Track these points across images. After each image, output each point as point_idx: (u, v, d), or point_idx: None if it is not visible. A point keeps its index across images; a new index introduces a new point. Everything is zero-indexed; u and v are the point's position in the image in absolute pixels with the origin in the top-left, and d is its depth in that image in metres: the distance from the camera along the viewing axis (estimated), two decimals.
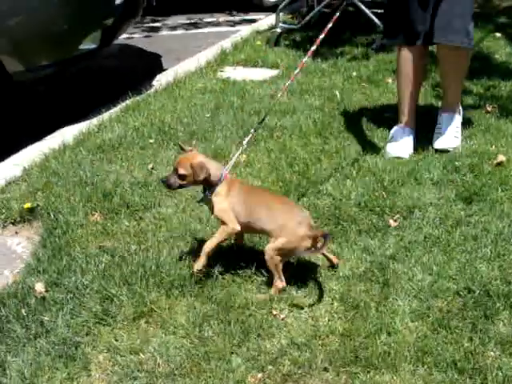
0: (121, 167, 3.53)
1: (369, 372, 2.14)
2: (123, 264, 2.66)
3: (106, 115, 4.22)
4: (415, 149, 3.69)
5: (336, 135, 3.93)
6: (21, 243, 2.92)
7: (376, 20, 5.73)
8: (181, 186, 2.57)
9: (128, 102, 4.47)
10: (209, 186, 2.55)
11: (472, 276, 2.59)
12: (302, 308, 2.45)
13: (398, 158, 3.61)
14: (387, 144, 3.73)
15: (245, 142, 2.84)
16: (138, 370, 2.17)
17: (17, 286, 2.56)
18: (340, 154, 3.66)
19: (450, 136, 3.73)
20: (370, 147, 3.75)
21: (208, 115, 4.26)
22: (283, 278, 2.49)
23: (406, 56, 3.76)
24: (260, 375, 2.14)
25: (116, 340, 2.30)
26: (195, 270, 2.54)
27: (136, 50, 6.35)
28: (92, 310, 2.42)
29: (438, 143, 3.71)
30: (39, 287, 2.52)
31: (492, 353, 2.21)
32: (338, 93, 4.64)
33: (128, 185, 3.31)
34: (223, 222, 2.55)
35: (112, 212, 3.08)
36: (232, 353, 2.23)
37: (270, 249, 2.45)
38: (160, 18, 7.70)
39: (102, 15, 4.16)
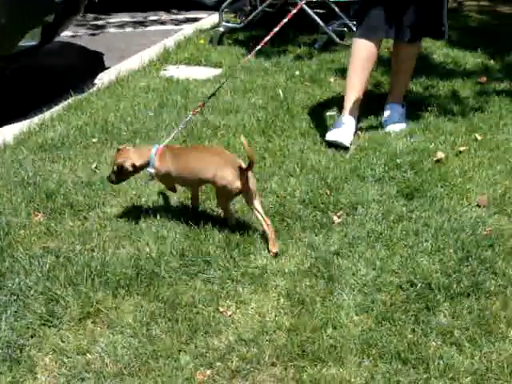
0: (64, 167, 3.48)
1: (316, 365, 2.18)
2: (68, 264, 2.63)
3: (47, 114, 4.15)
4: (358, 148, 3.77)
5: (279, 134, 3.97)
6: None
7: (318, 20, 5.80)
8: (120, 180, 2.98)
9: (70, 100, 4.40)
10: (147, 167, 2.89)
11: (414, 270, 2.66)
12: (249, 304, 2.47)
13: (338, 144, 3.74)
14: (328, 131, 3.84)
15: (188, 118, 3.19)
16: (86, 371, 2.15)
17: None
18: (283, 152, 3.70)
19: (397, 120, 4.03)
20: (313, 145, 3.80)
21: (151, 114, 4.23)
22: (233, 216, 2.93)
23: (363, 45, 3.93)
24: (209, 372, 2.15)
25: (62, 341, 2.27)
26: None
27: (78, 48, 6.24)
28: (37, 311, 2.38)
29: (388, 127, 4.00)
30: None
31: (434, 343, 2.28)
32: (281, 92, 4.69)
33: (71, 184, 3.27)
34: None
35: (55, 212, 3.03)
36: (180, 351, 2.23)
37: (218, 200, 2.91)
38: (104, 16, 7.59)
39: (43, 11, 4.08)
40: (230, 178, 2.73)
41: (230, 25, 6.23)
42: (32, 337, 2.29)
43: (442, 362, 2.18)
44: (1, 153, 3.59)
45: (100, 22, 7.36)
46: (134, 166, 2.86)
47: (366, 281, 2.60)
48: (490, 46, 5.72)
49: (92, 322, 2.37)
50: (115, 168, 2.88)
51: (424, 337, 2.31)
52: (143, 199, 3.17)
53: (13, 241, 2.79)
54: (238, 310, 2.44)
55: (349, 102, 3.97)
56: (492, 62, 5.44)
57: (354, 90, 3.96)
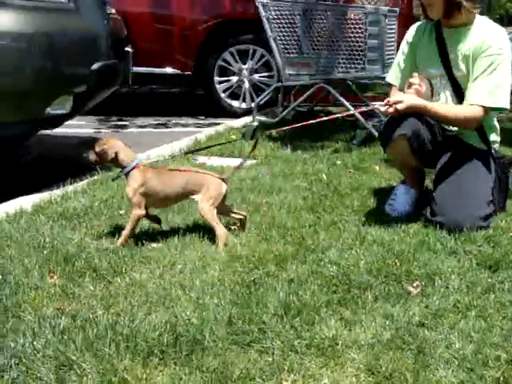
0: (86, 235, 3.01)
1: None
2: (87, 326, 2.09)
3: (70, 187, 3.73)
4: (421, 223, 3.29)
5: (329, 211, 3.51)
6: None
7: (359, 116, 5.52)
8: (96, 163, 3.03)
9: (96, 177, 4.00)
10: (120, 167, 2.96)
11: None
12: (320, 380, 1.90)
13: (394, 216, 3.36)
14: (387, 202, 3.50)
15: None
16: None
17: None
18: (338, 226, 3.22)
19: None
20: (371, 221, 3.32)
21: None
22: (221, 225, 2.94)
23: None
24: None
25: None
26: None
27: None
28: (43, 378, 1.82)
29: None
30: None
31: None
32: (324, 176, 4.29)
33: (94, 250, 2.78)
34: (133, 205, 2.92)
35: (74, 274, 2.53)
36: None
37: (202, 204, 2.93)
38: (127, 118, 7.41)
39: (76, 80, 3.79)
40: (217, 184, 2.95)
41: (263, 119, 5.96)
42: None
43: None
44: (16, 218, 3.13)
45: (122, 123, 7.17)
46: (116, 155, 2.90)
47: (465, 355, 2.03)
48: None
49: None
50: (98, 150, 2.89)
51: None
52: (178, 267, 2.67)
53: (21, 301, 2.27)
54: None
55: (404, 175, 3.67)
56: None
57: (406, 171, 3.64)
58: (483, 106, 3.20)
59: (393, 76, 3.59)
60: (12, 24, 3.55)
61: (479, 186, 3.25)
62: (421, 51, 3.43)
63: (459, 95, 3.32)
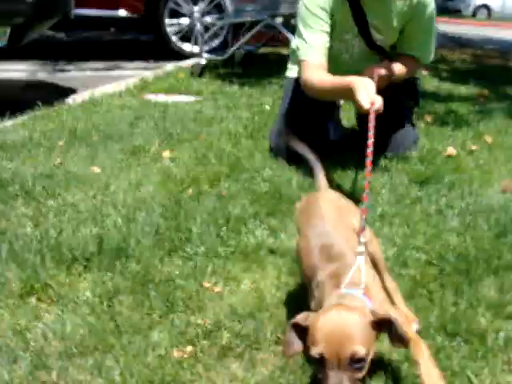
0: (23, 164, 2.98)
1: None
2: (14, 240, 2.09)
3: (9, 122, 3.67)
4: None
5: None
6: None
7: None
8: None
9: (37, 112, 3.94)
10: None
11: (443, 245, 2.18)
12: (241, 282, 1.95)
13: None
14: None
15: None
16: (23, 351, 1.59)
17: None
18: None
19: None
20: None
21: (127, 123, 3.78)
22: None
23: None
24: (190, 348, 1.60)
25: None
26: None
27: (47, 85, 5.83)
28: None
29: None
30: None
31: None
32: (268, 107, 4.30)
33: (30, 176, 2.76)
34: None
35: (8, 198, 2.51)
36: (151, 327, 1.69)
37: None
38: (75, 63, 7.24)
39: (11, 12, 3.69)
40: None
41: (211, 56, 5.90)
42: None
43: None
44: None
45: (69, 67, 6.99)
46: None
47: (387, 256, 2.09)
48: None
49: (37, 299, 1.82)
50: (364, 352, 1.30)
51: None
52: (112, 188, 2.67)
53: None
54: (227, 288, 1.91)
55: None
56: (486, 90, 5.13)
57: None
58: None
59: (313, 52, 2.86)
60: None
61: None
62: (336, 15, 2.88)
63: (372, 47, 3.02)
